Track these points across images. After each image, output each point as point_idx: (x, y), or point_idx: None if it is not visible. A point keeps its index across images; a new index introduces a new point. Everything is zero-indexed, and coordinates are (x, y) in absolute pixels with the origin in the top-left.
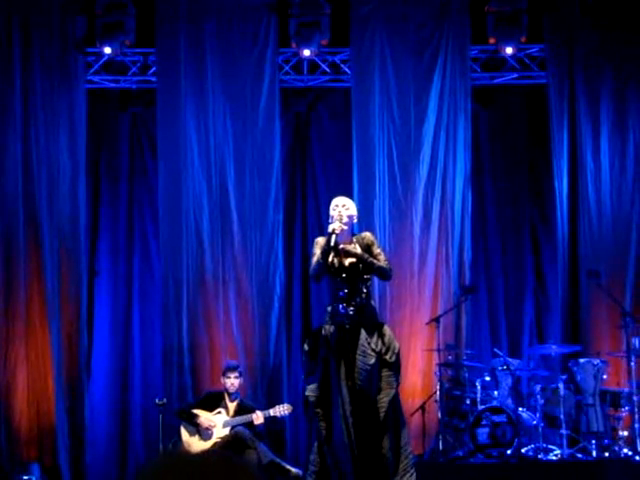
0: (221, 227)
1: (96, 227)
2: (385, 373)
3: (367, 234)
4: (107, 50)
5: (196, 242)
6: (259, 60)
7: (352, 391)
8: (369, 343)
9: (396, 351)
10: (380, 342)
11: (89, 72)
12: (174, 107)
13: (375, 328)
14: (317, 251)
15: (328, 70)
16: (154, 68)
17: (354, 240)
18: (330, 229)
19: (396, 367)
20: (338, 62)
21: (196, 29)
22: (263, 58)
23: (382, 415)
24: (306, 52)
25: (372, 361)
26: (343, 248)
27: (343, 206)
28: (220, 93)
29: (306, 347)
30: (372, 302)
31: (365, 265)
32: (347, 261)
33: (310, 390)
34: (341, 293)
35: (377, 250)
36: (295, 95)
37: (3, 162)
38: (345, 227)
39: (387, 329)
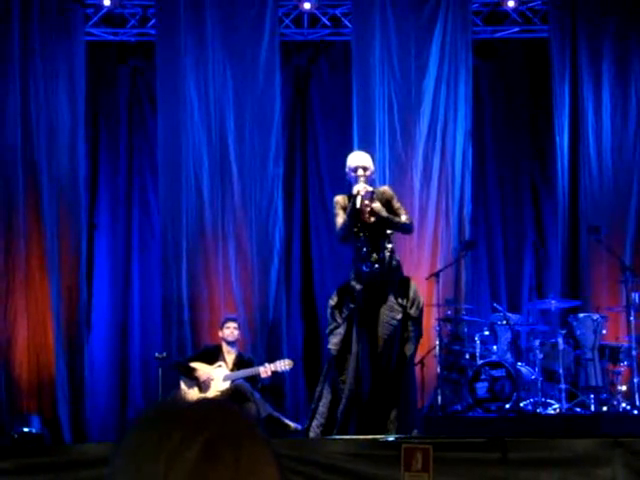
0: (221, 181)
1: (95, 180)
2: (409, 328)
3: (386, 188)
4: (106, 2)
5: (196, 196)
6: (259, 13)
7: (373, 345)
8: (396, 298)
9: (420, 306)
10: (405, 297)
11: (88, 24)
12: (173, 60)
13: (401, 282)
14: (339, 212)
15: (328, 23)
16: (153, 21)
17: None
18: (355, 190)
19: (419, 322)
20: (339, 15)
21: None
22: (263, 11)
23: (402, 369)
24: (306, 5)
25: (399, 316)
26: (370, 208)
27: (364, 169)
28: (220, 46)
29: (332, 302)
30: (396, 256)
31: (389, 224)
32: (372, 218)
33: (333, 344)
34: (363, 252)
35: (397, 205)
36: (295, 49)
37: (2, 115)
38: (370, 188)
39: (413, 284)
